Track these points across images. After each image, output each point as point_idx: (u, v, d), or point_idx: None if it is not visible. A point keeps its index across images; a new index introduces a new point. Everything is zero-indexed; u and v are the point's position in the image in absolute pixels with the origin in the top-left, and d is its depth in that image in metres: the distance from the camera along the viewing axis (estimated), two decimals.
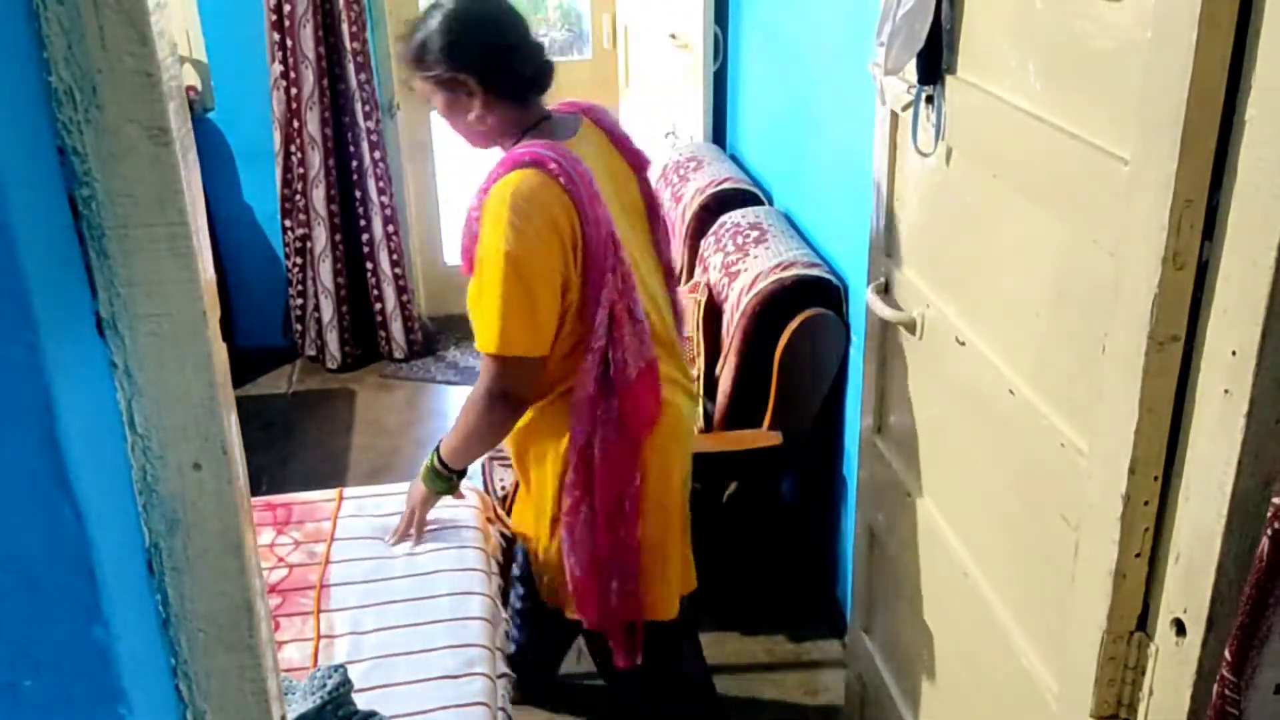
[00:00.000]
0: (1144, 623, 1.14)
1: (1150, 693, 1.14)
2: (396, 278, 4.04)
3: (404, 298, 4.10)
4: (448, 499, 2.09)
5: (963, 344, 1.51)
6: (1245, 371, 0.94)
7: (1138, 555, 1.12)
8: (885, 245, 1.80)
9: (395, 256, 4.03)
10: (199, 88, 3.94)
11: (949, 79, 1.48)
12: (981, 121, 1.41)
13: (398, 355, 4.14)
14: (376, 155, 3.91)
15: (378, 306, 4.10)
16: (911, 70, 1.52)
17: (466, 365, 4.15)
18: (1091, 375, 1.16)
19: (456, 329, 4.29)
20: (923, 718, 1.82)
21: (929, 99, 1.53)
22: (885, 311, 1.75)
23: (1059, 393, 1.27)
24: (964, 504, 1.59)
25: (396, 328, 4.12)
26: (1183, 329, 1.02)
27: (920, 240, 1.68)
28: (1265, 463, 0.97)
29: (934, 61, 1.49)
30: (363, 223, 4.00)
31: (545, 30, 6.99)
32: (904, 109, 1.61)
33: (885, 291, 1.79)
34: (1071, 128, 1.19)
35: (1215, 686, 0.95)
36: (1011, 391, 1.37)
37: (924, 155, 1.57)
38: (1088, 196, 1.16)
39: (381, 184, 3.94)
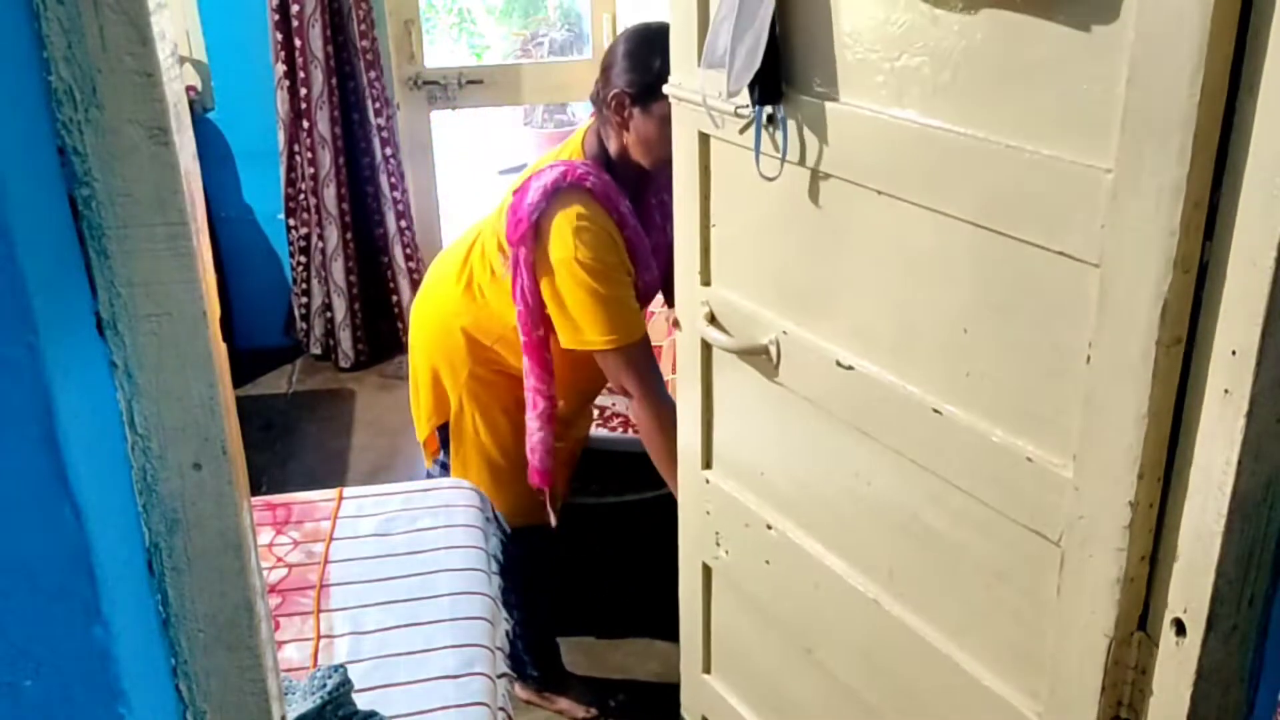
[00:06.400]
0: (1144, 623, 1.14)
1: (1150, 693, 1.14)
2: (411, 271, 4.06)
3: (394, 297, 4.12)
4: (446, 498, 2.11)
5: (848, 368, 1.44)
6: (1245, 371, 0.94)
7: (1142, 558, 1.11)
8: (702, 275, 1.70)
9: (409, 251, 4.05)
10: (199, 88, 3.95)
11: (801, 99, 1.40)
12: (854, 139, 1.34)
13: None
14: (388, 152, 3.92)
15: (394, 299, 4.12)
16: (744, 93, 1.43)
17: None
18: (1068, 387, 1.14)
19: None
20: None
21: (770, 120, 1.44)
22: (724, 341, 1.65)
23: (1016, 409, 1.23)
24: (860, 530, 1.52)
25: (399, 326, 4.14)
26: (1185, 331, 1.02)
27: (761, 266, 1.58)
28: (1265, 463, 0.97)
29: (774, 80, 1.41)
30: (376, 218, 4.01)
31: (545, 30, 6.99)
32: (741, 131, 1.51)
33: (711, 321, 1.69)
34: (1013, 141, 1.14)
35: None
36: (937, 411, 1.31)
37: (769, 179, 1.47)
38: (1048, 209, 1.11)
39: (394, 179, 3.96)
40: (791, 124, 1.42)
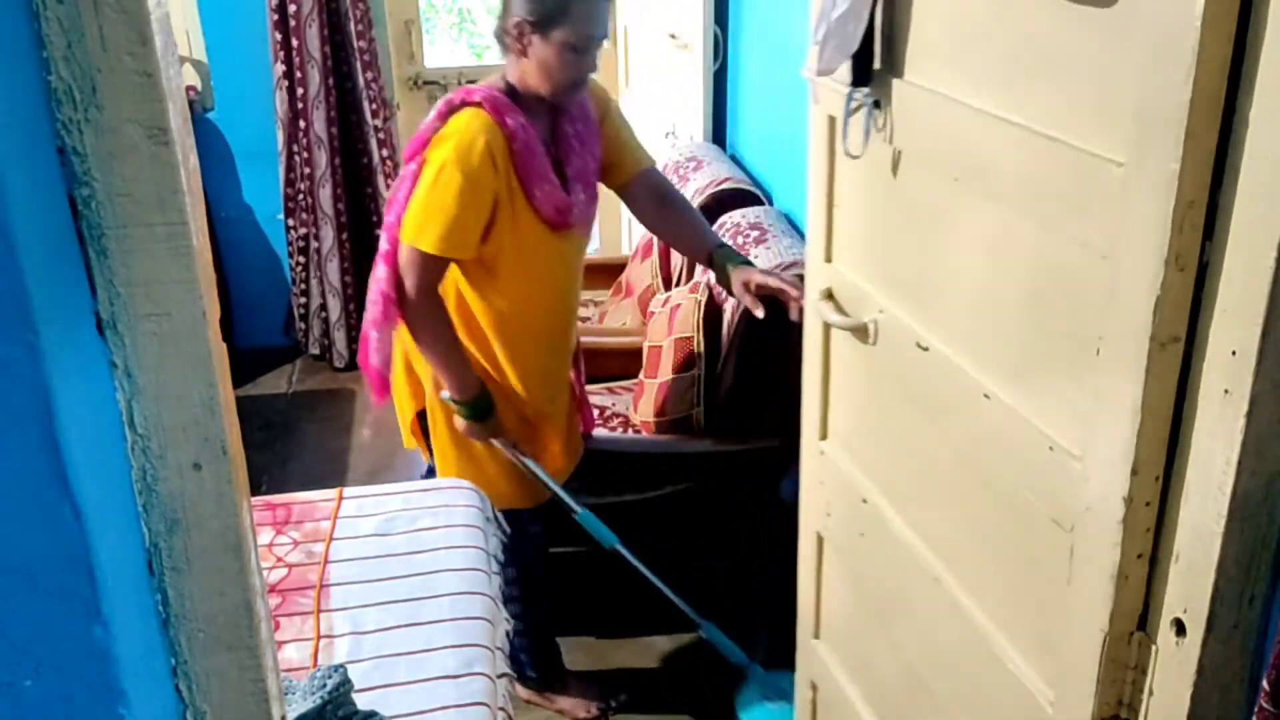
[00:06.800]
0: (1144, 622, 1.14)
1: (1150, 693, 1.14)
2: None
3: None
4: (446, 498, 2.11)
5: (925, 349, 1.48)
6: (1245, 371, 0.94)
7: (1139, 556, 1.11)
8: (824, 252, 1.76)
9: None
10: (199, 88, 3.95)
11: (895, 82, 1.45)
12: (936, 125, 1.38)
13: None
14: (385, 153, 3.92)
15: None
16: (845, 73, 1.49)
17: None
18: (1083, 378, 1.16)
19: None
20: None
21: (866, 102, 1.49)
22: (835, 318, 1.71)
23: (1044, 396, 1.25)
24: (931, 509, 1.56)
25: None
26: (1184, 330, 1.02)
27: (868, 245, 1.65)
28: (1265, 463, 0.97)
29: (867, 64, 1.45)
30: (374, 219, 4.01)
31: None
32: (852, 113, 1.56)
33: (829, 298, 1.76)
34: (1050, 131, 1.17)
35: (1254, 717, 0.95)
36: (986, 396, 1.35)
37: (853, 158, 1.53)
38: (1071, 200, 1.14)
39: (390, 181, 3.95)
40: (889, 108, 1.46)
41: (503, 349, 2.28)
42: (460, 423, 2.28)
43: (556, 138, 2.25)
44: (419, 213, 2.09)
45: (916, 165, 1.45)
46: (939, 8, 1.36)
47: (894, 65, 1.45)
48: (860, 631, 1.88)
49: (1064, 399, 1.21)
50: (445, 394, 2.27)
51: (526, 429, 2.37)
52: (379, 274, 2.17)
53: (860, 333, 1.67)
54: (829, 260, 1.76)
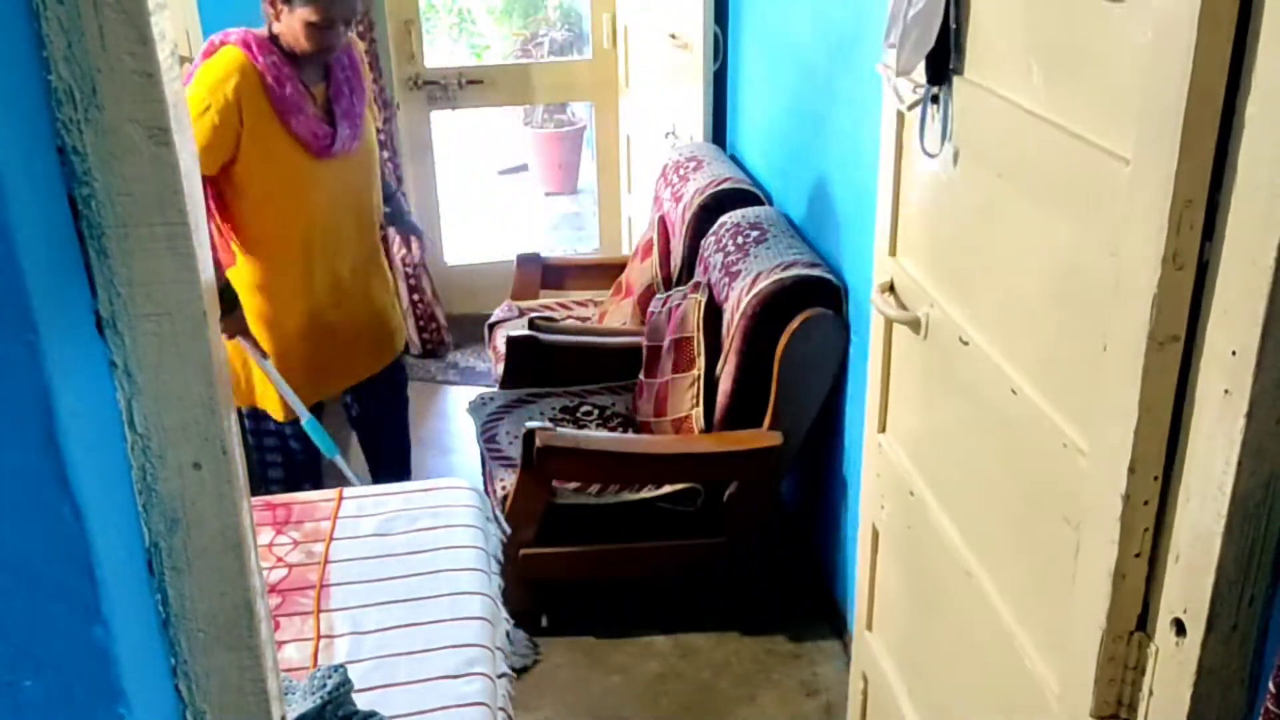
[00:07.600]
0: (1144, 622, 1.14)
1: (1150, 693, 1.14)
2: (408, 275, 4.04)
3: (414, 295, 4.10)
4: (446, 498, 2.11)
5: (966, 343, 1.51)
6: (1245, 371, 0.94)
7: (1137, 555, 1.11)
8: (890, 245, 1.80)
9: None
10: None
11: (956, 80, 1.48)
12: (987, 122, 1.42)
13: (412, 352, 4.13)
14: (385, 154, 3.91)
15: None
16: (920, 71, 1.53)
17: (467, 365, 4.14)
18: (1093, 375, 1.16)
19: (457, 329, 4.28)
20: (926, 716, 1.82)
21: (935, 99, 1.53)
22: (890, 311, 1.75)
23: (1061, 393, 1.27)
24: (966, 503, 1.59)
25: (409, 324, 4.11)
26: (1183, 329, 1.02)
27: (925, 240, 1.68)
28: (1265, 463, 0.97)
29: (942, 62, 1.49)
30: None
31: (545, 30, 6.98)
32: (910, 109, 1.61)
33: (890, 291, 1.80)
34: (1074, 127, 1.19)
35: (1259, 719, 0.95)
36: (1014, 391, 1.37)
37: (930, 155, 1.57)
38: (1090, 196, 1.16)
39: (389, 180, 3.95)
40: (951, 105, 1.50)
41: (264, 260, 2.51)
42: None
43: (330, 80, 2.54)
44: None
45: (969, 161, 1.49)
46: (994, 5, 1.39)
47: (959, 63, 1.49)
48: (906, 625, 1.91)
49: (1078, 395, 1.22)
50: None
51: (307, 328, 2.59)
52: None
53: (914, 326, 1.70)
54: (893, 254, 1.79)
